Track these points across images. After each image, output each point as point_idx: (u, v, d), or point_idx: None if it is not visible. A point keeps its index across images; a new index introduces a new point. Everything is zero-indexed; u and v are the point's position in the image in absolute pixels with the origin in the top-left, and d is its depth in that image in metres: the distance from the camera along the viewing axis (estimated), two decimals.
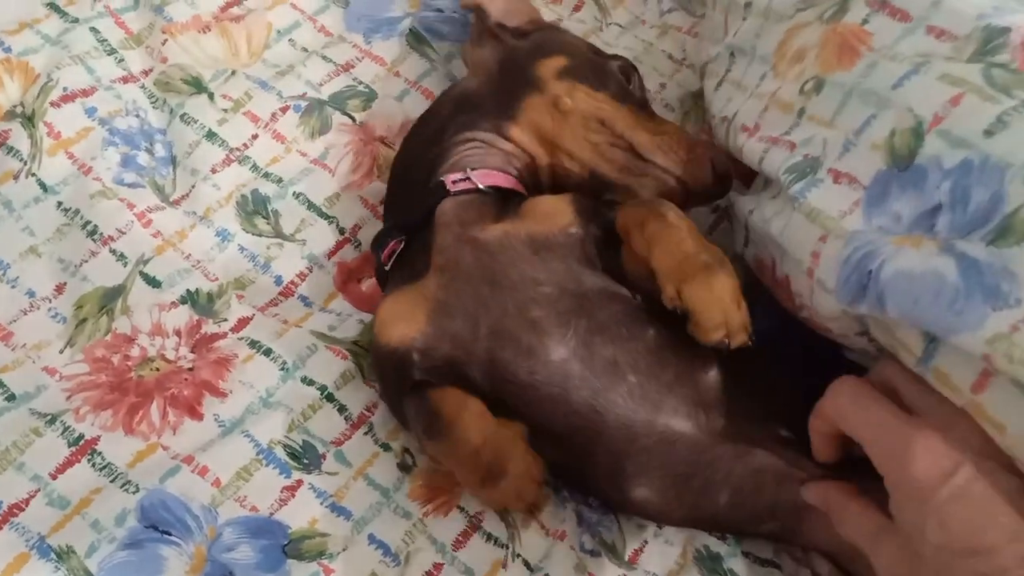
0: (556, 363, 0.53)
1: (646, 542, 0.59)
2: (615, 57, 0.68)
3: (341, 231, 0.70)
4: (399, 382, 0.56)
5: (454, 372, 0.55)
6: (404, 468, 0.59)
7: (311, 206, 0.70)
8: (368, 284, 0.69)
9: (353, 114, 0.74)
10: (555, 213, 0.57)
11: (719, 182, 0.62)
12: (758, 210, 0.57)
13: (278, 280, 0.67)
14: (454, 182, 0.60)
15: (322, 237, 0.69)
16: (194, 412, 0.57)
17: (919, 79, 0.47)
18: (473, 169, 0.61)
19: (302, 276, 0.68)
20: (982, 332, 0.40)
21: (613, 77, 0.65)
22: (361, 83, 0.76)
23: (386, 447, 0.59)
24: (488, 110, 0.64)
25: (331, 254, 0.69)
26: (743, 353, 0.51)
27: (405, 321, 0.56)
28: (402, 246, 0.61)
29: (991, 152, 0.43)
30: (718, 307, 0.50)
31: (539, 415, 0.53)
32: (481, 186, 0.59)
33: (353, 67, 0.77)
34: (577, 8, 0.88)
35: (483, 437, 0.51)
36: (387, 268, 0.61)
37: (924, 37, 0.49)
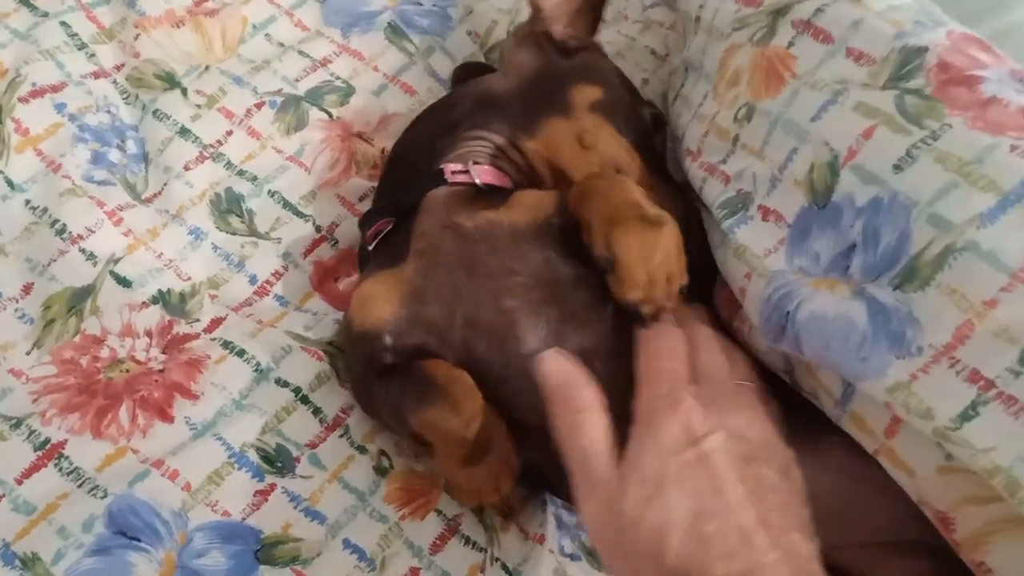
0: (527, 355, 0.52)
1: None
2: (648, 104, 0.67)
3: (318, 229, 0.69)
4: (370, 365, 0.55)
5: (426, 359, 0.54)
6: (380, 471, 0.58)
7: (287, 204, 0.69)
8: (345, 283, 0.68)
9: (330, 110, 0.73)
10: (539, 204, 0.57)
11: None
12: (710, 234, 0.57)
13: (253, 279, 0.66)
14: (453, 172, 0.59)
15: (298, 235, 0.68)
16: (164, 415, 0.56)
17: (836, 110, 0.46)
18: (476, 163, 0.60)
19: (277, 275, 0.67)
20: (884, 380, 0.40)
21: (641, 125, 0.64)
22: (338, 78, 0.75)
23: (362, 449, 0.58)
24: (509, 116, 0.62)
25: (307, 252, 0.68)
26: None
27: (380, 303, 0.55)
28: (389, 227, 0.60)
29: (899, 189, 0.42)
30: (643, 264, 0.48)
31: (512, 409, 0.52)
32: (478, 181, 0.59)
33: (330, 62, 0.76)
34: None
35: (474, 408, 0.50)
36: (370, 248, 0.60)
37: (844, 61, 0.48)
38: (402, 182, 0.63)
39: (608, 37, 0.85)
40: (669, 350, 0.48)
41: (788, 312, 0.45)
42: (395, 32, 0.78)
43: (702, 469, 0.41)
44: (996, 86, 0.43)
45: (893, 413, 0.41)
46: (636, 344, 0.49)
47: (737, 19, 0.57)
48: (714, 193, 0.54)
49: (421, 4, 0.80)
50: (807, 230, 0.46)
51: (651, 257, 0.48)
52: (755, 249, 0.48)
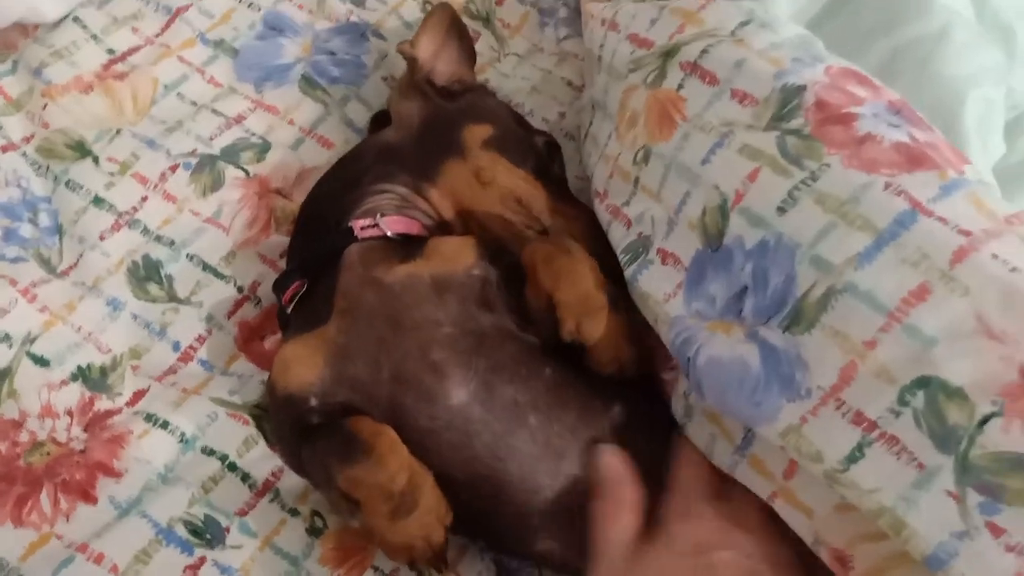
0: (456, 407, 0.52)
1: None
2: (541, 133, 0.68)
3: (240, 289, 0.68)
4: (296, 428, 0.55)
5: (352, 416, 0.54)
6: (314, 532, 0.57)
7: (206, 267, 0.68)
8: (271, 341, 0.67)
9: (247, 167, 0.72)
10: (458, 254, 0.57)
11: None
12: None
13: (176, 346, 0.65)
14: (363, 228, 0.59)
15: (220, 297, 0.68)
16: (87, 496, 0.55)
17: (723, 153, 0.47)
18: (383, 216, 0.60)
19: (201, 340, 0.66)
20: (777, 424, 0.40)
21: (536, 154, 0.65)
22: (254, 134, 0.75)
23: (294, 512, 0.58)
24: (408, 166, 0.63)
25: (230, 314, 0.68)
26: (646, 394, 0.55)
27: (304, 366, 0.55)
28: (304, 289, 0.60)
29: (783, 231, 0.42)
30: (612, 343, 0.53)
31: (441, 463, 0.52)
32: (389, 233, 0.59)
33: (245, 118, 0.75)
34: (473, 39, 0.88)
35: (399, 462, 0.51)
36: (288, 311, 0.60)
37: (729, 103, 0.48)
38: (313, 242, 0.63)
39: (523, 72, 0.85)
40: (699, 456, 0.51)
41: (689, 358, 0.46)
42: (309, 84, 0.78)
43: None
44: (871, 122, 0.44)
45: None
46: (674, 445, 0.53)
47: (632, 60, 0.58)
48: (618, 237, 0.55)
49: (334, 53, 0.80)
50: (702, 273, 0.46)
51: (613, 336, 0.53)
52: (656, 296, 0.49)
